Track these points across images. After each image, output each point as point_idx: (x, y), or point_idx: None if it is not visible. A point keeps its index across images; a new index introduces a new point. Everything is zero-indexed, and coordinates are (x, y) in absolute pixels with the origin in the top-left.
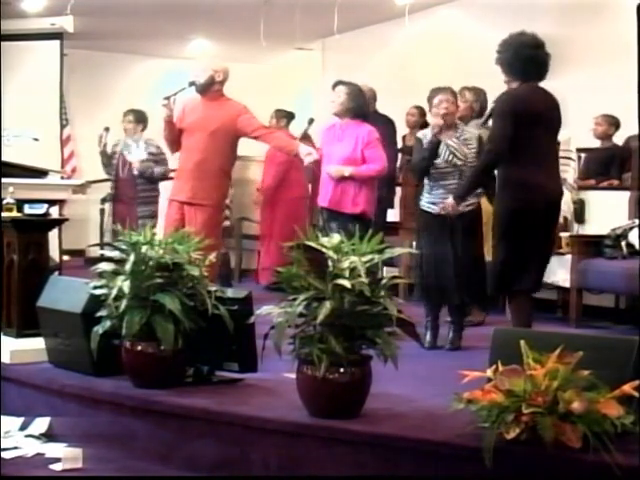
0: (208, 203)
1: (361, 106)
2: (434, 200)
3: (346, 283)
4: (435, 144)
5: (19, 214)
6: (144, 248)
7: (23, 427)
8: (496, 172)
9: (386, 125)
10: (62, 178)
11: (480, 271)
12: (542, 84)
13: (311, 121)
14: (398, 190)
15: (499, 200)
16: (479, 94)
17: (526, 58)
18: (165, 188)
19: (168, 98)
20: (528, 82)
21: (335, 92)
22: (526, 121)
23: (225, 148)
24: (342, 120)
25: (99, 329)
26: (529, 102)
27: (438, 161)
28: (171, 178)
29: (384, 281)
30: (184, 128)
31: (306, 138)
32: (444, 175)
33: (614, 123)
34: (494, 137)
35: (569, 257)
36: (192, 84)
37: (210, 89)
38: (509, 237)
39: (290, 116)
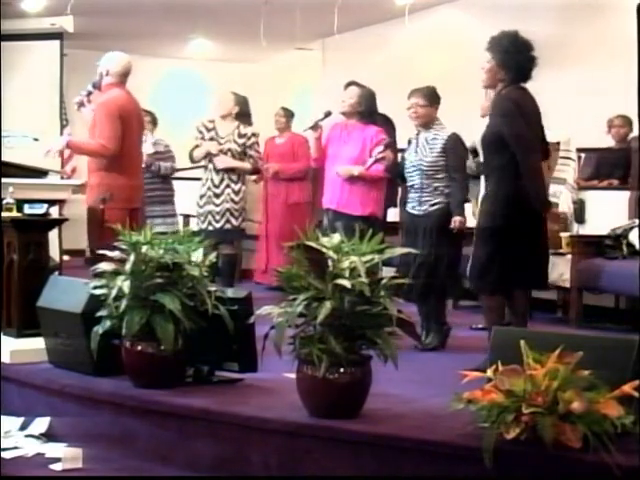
0: (89, 203)
1: (370, 110)
2: (409, 199)
3: (346, 283)
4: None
5: (19, 214)
6: (144, 248)
7: (23, 427)
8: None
9: (385, 124)
10: (62, 178)
11: (452, 273)
12: (542, 83)
13: (328, 114)
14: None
15: (492, 202)
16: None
17: (531, 60)
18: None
19: (81, 102)
20: (522, 85)
21: (347, 92)
22: (528, 125)
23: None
24: (349, 121)
25: (99, 329)
26: (530, 106)
27: (406, 161)
28: (176, 178)
29: (384, 281)
30: None
31: (317, 128)
32: (410, 174)
33: (630, 123)
34: (522, 137)
35: (569, 257)
36: (94, 85)
37: (101, 85)
38: (498, 238)
39: (292, 115)
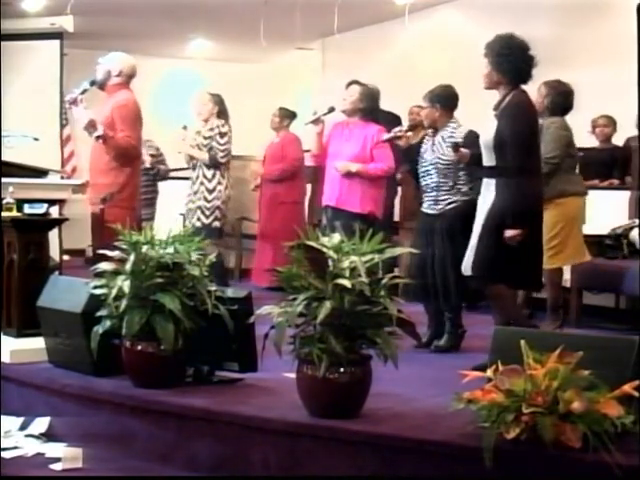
0: (94, 202)
1: (372, 108)
2: (425, 199)
3: (346, 283)
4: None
5: (19, 214)
6: (144, 248)
7: (23, 427)
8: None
9: (392, 122)
10: (62, 178)
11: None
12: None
13: (332, 109)
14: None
15: (509, 204)
16: (554, 88)
17: (528, 60)
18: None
19: (74, 100)
20: (522, 86)
21: (348, 90)
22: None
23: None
24: (350, 119)
25: (99, 329)
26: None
27: (423, 160)
28: (173, 178)
29: (384, 281)
30: None
31: (318, 123)
32: (428, 172)
33: (615, 123)
34: (521, 137)
35: None
36: (93, 83)
37: (107, 84)
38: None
39: (293, 115)
